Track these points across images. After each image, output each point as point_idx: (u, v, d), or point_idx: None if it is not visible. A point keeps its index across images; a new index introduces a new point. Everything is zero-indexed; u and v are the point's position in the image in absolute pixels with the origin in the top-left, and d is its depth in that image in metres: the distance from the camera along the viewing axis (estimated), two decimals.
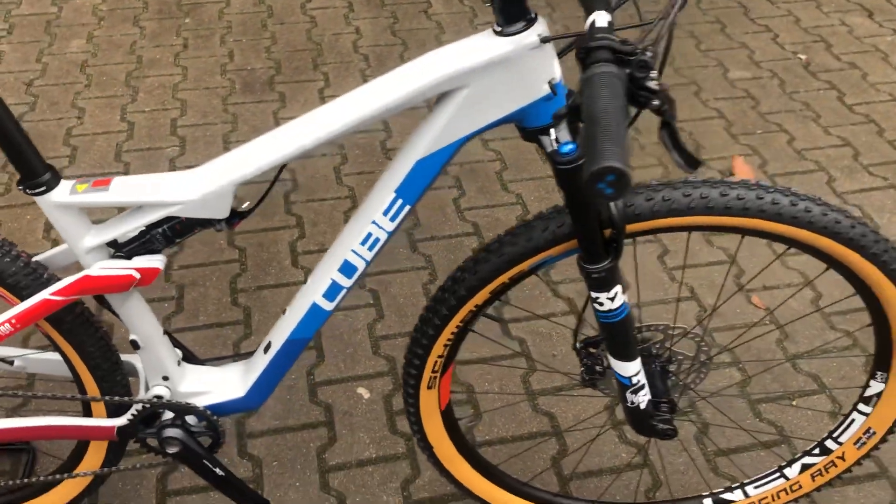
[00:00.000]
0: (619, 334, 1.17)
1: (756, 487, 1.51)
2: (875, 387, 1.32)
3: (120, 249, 1.12)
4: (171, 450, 1.29)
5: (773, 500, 1.50)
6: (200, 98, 2.72)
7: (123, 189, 1.07)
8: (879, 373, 1.31)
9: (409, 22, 3.21)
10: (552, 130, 0.99)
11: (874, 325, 1.25)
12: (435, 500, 1.63)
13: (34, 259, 1.17)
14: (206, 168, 1.07)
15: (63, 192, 1.07)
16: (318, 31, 3.12)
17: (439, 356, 1.26)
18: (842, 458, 1.42)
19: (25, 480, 1.39)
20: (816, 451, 1.44)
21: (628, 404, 1.26)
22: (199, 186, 1.05)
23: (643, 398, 1.25)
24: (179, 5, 3.24)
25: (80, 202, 1.06)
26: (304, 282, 1.19)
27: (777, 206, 1.09)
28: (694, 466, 1.69)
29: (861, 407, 1.36)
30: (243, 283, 2.08)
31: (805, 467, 1.46)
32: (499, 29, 0.95)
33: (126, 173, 2.40)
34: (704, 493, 1.56)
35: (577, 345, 1.29)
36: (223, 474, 1.33)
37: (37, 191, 1.06)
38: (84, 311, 1.20)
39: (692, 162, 0.78)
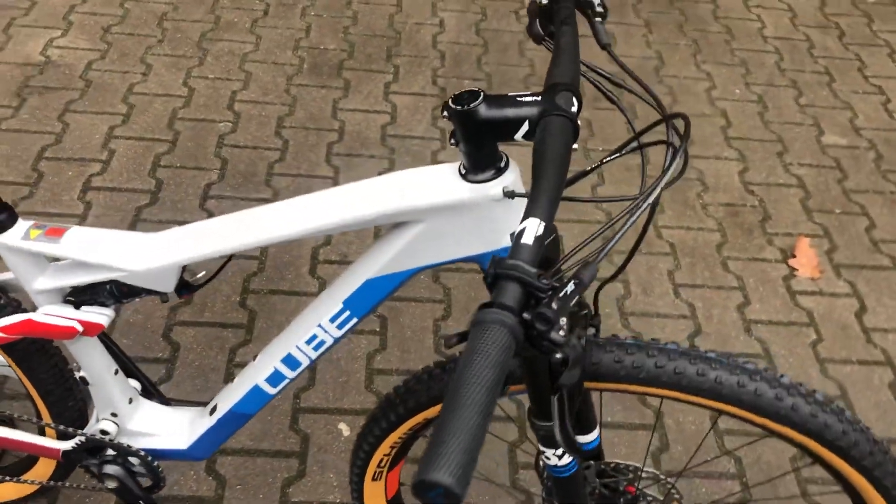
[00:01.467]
0: (566, 489, 1.07)
1: None
2: None
3: (70, 296, 1.08)
4: (110, 485, 1.28)
5: None
6: (266, 73, 2.68)
7: (74, 243, 1.03)
8: None
9: (497, 22, 3.08)
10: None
11: None
12: None
13: None
14: (157, 240, 1.02)
15: (15, 236, 1.04)
16: (401, 17, 3.02)
17: (385, 455, 1.20)
18: None
19: None
20: None
21: None
22: (145, 259, 1.00)
23: None
24: None
25: (29, 248, 1.03)
26: (317, 294, 1.13)
27: (759, 398, 0.97)
28: None
29: None
30: (256, 284, 2.06)
31: None
32: (464, 172, 0.86)
33: (174, 143, 2.40)
34: None
35: (539, 466, 1.21)
36: None
37: None
38: (42, 348, 1.18)
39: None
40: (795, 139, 2.69)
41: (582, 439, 1.18)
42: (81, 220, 2.14)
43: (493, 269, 0.61)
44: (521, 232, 0.64)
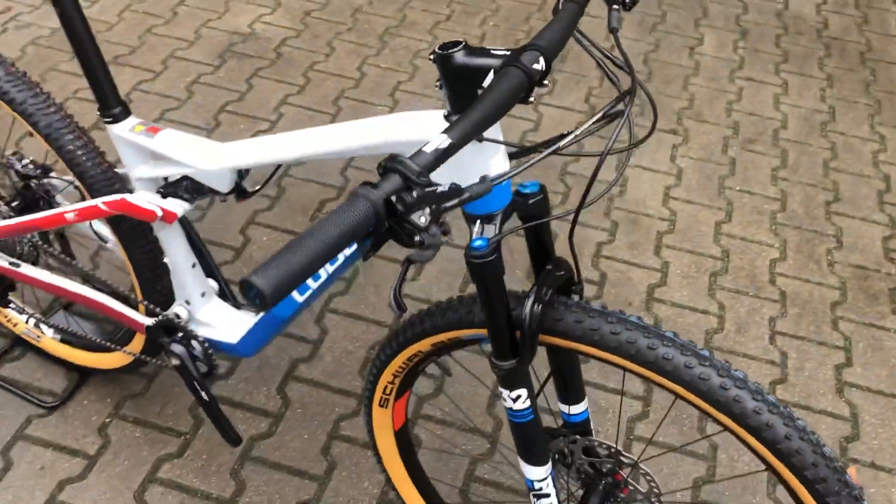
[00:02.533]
0: (521, 436, 1.15)
1: None
2: None
3: (161, 189, 1.32)
4: (174, 362, 1.50)
5: None
6: (432, 69, 2.90)
7: (163, 140, 1.26)
8: None
9: (668, 54, 3.12)
10: (474, 222, 1.00)
11: None
12: None
13: (116, 170, 1.41)
14: (221, 147, 1.22)
15: (124, 128, 1.29)
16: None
17: (389, 383, 1.33)
18: None
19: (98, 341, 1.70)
20: None
21: None
22: (209, 161, 1.21)
23: None
24: None
25: (131, 139, 1.28)
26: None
27: (703, 382, 1.00)
28: None
29: None
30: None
31: None
32: (446, 113, 0.98)
33: (334, 117, 2.67)
34: None
35: None
36: (207, 399, 1.52)
37: (106, 120, 1.29)
38: (139, 225, 1.43)
39: (401, 306, 0.78)
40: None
41: (571, 410, 1.25)
42: None
43: (385, 162, 0.73)
44: (428, 143, 0.76)
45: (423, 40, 3.05)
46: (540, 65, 0.89)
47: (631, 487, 1.29)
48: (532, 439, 1.15)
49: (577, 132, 0.94)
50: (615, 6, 1.04)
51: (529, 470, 1.19)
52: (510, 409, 1.12)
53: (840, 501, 0.98)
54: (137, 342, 1.66)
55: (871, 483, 1.83)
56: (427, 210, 0.72)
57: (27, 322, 1.89)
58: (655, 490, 1.27)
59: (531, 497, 1.23)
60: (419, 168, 0.72)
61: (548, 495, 1.21)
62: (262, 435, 1.82)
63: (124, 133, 1.29)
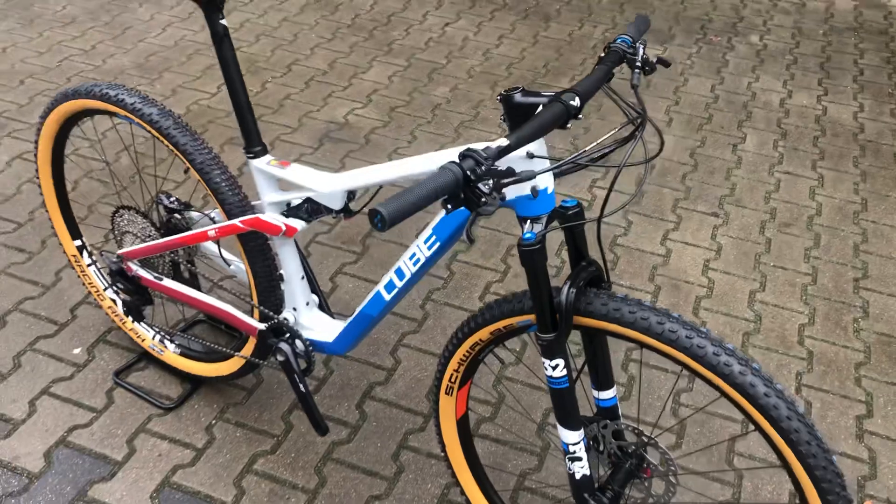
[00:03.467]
0: (559, 402, 1.44)
1: None
2: None
3: (284, 212, 1.70)
4: (279, 358, 1.85)
5: None
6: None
7: (292, 172, 1.65)
8: None
9: (713, 150, 3.46)
10: (526, 222, 1.34)
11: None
12: None
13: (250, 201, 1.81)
14: (337, 175, 1.60)
15: (262, 162, 1.69)
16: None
17: (454, 370, 1.64)
18: None
19: (216, 346, 2.06)
20: None
21: (567, 469, 1.51)
22: (325, 185, 1.59)
23: (579, 469, 1.50)
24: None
25: (267, 171, 1.67)
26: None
27: (701, 349, 1.29)
28: None
29: None
30: (437, 296, 2.60)
31: None
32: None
33: None
34: None
35: None
36: (304, 392, 1.85)
37: (249, 155, 1.69)
38: (263, 243, 1.81)
39: (471, 239, 1.11)
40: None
41: (602, 395, 1.54)
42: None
43: (464, 150, 1.08)
44: (494, 142, 1.12)
45: (492, 132, 3.48)
46: (576, 102, 1.25)
47: (651, 467, 1.55)
48: (568, 405, 1.44)
49: (594, 146, 1.29)
50: (636, 70, 1.39)
51: (566, 434, 1.48)
52: (550, 377, 1.42)
53: (811, 447, 1.24)
54: (248, 348, 2.01)
55: None
56: (490, 182, 1.07)
57: (153, 338, 2.27)
58: (672, 468, 1.53)
59: (566, 460, 1.50)
60: (486, 155, 1.08)
61: (580, 458, 1.49)
62: (342, 441, 2.12)
63: (262, 166, 1.69)
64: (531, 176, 1.15)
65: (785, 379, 2.38)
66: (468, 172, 1.06)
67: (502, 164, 1.14)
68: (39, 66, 3.81)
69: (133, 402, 2.20)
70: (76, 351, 2.35)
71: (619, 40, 1.42)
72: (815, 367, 2.43)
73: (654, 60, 1.45)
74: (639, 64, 1.39)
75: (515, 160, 1.29)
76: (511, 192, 1.34)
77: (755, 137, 3.57)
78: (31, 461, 2.03)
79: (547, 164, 1.31)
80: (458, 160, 1.07)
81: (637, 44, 1.42)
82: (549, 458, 2.09)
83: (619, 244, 2.87)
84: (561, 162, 1.29)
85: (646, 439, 1.53)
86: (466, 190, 1.07)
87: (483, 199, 1.07)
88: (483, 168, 1.07)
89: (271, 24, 4.32)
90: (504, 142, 1.14)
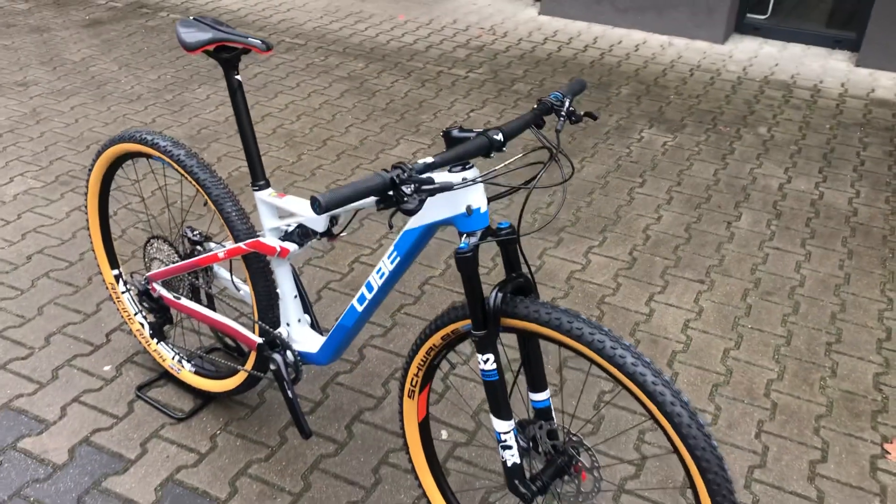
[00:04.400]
0: (490, 393, 1.68)
1: None
2: None
3: (281, 237, 2.02)
4: (272, 367, 2.13)
5: None
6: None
7: (286, 202, 1.97)
8: None
9: (707, 225, 3.70)
10: (463, 236, 1.62)
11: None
12: None
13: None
14: None
15: (265, 194, 2.01)
16: (606, 201, 3.79)
17: (415, 375, 1.89)
18: None
19: (228, 364, 2.35)
20: None
21: (500, 457, 1.73)
22: (311, 211, 1.90)
23: (510, 457, 1.72)
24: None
25: (268, 201, 2.00)
26: None
27: (600, 344, 1.53)
28: None
29: None
30: None
31: None
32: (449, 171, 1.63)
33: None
34: None
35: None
36: (291, 397, 2.11)
37: (254, 188, 2.02)
38: (265, 265, 2.12)
39: (390, 225, 1.38)
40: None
41: (537, 397, 1.78)
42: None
43: (395, 164, 1.38)
44: (422, 161, 1.42)
45: (498, 205, 3.78)
46: (499, 137, 1.55)
47: (581, 465, 1.76)
48: (499, 396, 1.68)
49: (503, 164, 1.57)
50: (561, 118, 1.69)
51: (498, 423, 1.71)
52: (483, 370, 1.67)
53: (692, 430, 1.45)
54: (249, 362, 2.30)
55: None
56: (412, 186, 1.36)
57: (173, 358, 2.57)
58: (597, 464, 1.74)
59: (499, 448, 1.73)
60: (412, 167, 1.38)
61: (511, 447, 1.71)
62: (329, 454, 2.37)
63: (265, 197, 2.02)
64: (449, 187, 1.45)
65: (746, 425, 2.55)
66: (394, 178, 1.36)
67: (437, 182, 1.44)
68: (104, 134, 4.30)
69: (150, 412, 2.49)
70: (106, 368, 2.66)
71: (551, 96, 1.73)
72: (777, 417, 2.59)
73: (582, 114, 1.74)
74: (563, 114, 1.69)
75: (452, 183, 1.59)
76: (450, 211, 1.63)
77: (750, 216, 3.80)
78: (56, 455, 2.32)
79: (482, 196, 1.60)
80: (388, 170, 1.38)
81: (566, 99, 1.72)
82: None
83: (606, 303, 3.11)
84: (475, 180, 1.58)
85: (574, 438, 1.75)
86: (394, 190, 1.37)
87: (405, 199, 1.36)
88: (406, 175, 1.37)
89: (313, 105, 4.78)
90: (430, 160, 1.44)
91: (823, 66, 5.80)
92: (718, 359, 2.85)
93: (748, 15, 6.42)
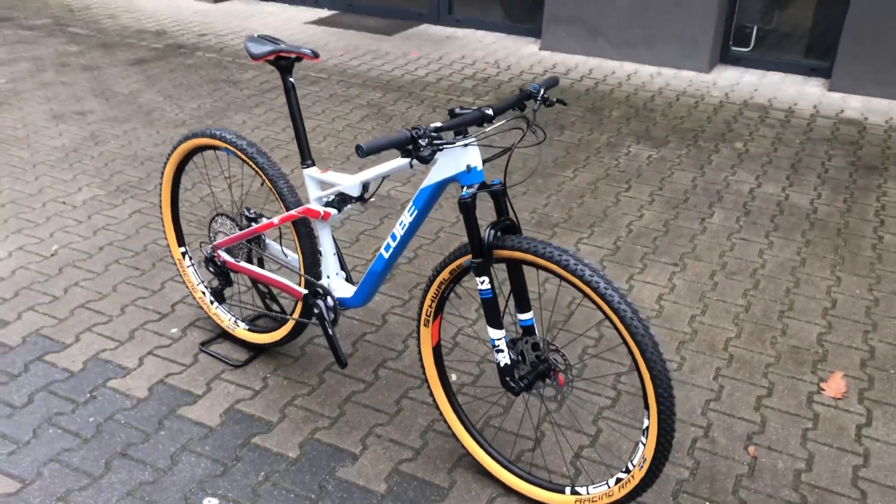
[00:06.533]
0: (486, 307, 2.22)
1: (594, 488, 2.28)
2: (645, 422, 2.09)
3: (324, 203, 2.58)
4: (315, 311, 2.67)
5: (597, 500, 2.26)
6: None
7: (328, 175, 2.53)
8: (646, 410, 2.08)
9: (684, 221, 4.24)
10: (464, 188, 2.18)
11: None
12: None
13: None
14: (355, 175, 2.47)
15: (311, 170, 2.58)
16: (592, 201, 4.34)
17: (429, 306, 2.43)
18: (633, 477, 2.16)
19: (276, 313, 2.89)
20: (624, 470, 2.20)
21: (495, 360, 2.26)
22: (348, 180, 2.46)
23: (502, 359, 2.25)
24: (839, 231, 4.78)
25: (314, 176, 2.56)
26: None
27: (565, 261, 2.07)
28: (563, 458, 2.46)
29: (641, 438, 2.12)
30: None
31: (618, 480, 2.22)
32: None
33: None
34: (566, 484, 2.36)
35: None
36: (331, 334, 2.65)
37: (303, 166, 2.59)
38: (310, 230, 2.67)
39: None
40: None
41: (522, 317, 2.31)
42: None
43: (414, 125, 1.94)
44: (433, 124, 1.98)
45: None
46: (490, 111, 2.11)
47: (557, 369, 2.28)
48: (493, 310, 2.22)
49: (492, 127, 2.13)
50: (537, 101, 2.25)
51: (492, 332, 2.24)
52: (480, 290, 2.21)
53: (626, 312, 1.98)
54: (296, 312, 2.84)
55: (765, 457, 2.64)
56: (427, 141, 1.93)
57: (230, 320, 3.12)
58: (569, 363, 2.26)
59: (494, 353, 2.26)
60: (425, 129, 1.95)
61: (503, 350, 2.24)
62: (359, 391, 2.89)
63: (311, 173, 2.58)
64: (451, 142, 2.00)
65: (706, 371, 3.06)
66: (413, 134, 1.93)
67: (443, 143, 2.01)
68: (156, 152, 4.91)
69: (212, 362, 3.04)
70: (173, 330, 3.21)
71: (531, 87, 2.29)
72: (732, 364, 3.10)
73: (555, 100, 2.31)
74: (539, 99, 2.26)
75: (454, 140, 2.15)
76: (455, 169, 2.18)
77: (722, 214, 4.34)
78: (138, 392, 2.86)
79: (478, 158, 2.16)
80: (409, 129, 1.94)
81: (541, 89, 2.28)
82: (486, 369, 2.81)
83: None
84: (466, 141, 2.12)
85: (552, 346, 2.28)
86: (413, 143, 1.93)
87: (421, 149, 1.92)
88: (422, 132, 1.94)
89: (337, 128, 5.39)
90: (439, 124, 2.00)
91: (799, 91, 6.37)
92: (686, 322, 3.36)
93: (732, 48, 7.03)
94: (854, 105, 6.08)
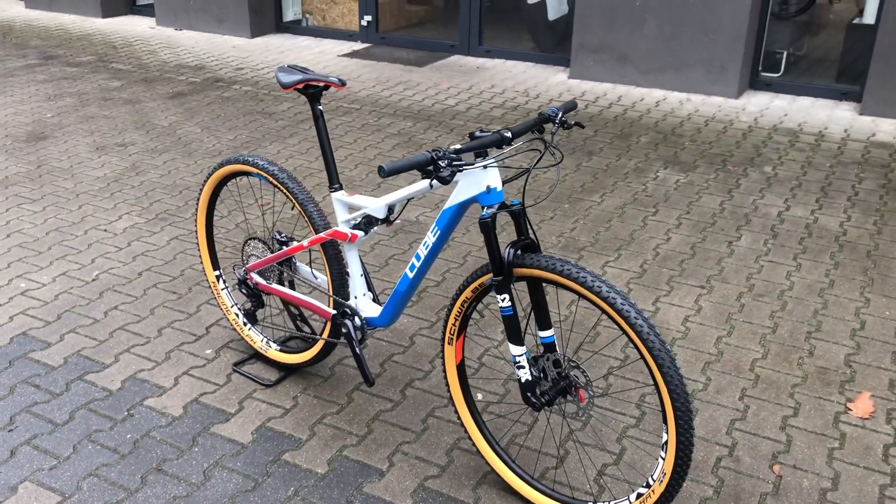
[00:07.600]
0: (507, 324, 2.28)
1: None
2: (664, 436, 2.12)
3: (352, 226, 2.67)
4: (343, 330, 2.75)
5: None
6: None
7: (356, 199, 2.62)
8: (664, 425, 2.12)
9: (711, 244, 4.26)
10: (484, 208, 2.25)
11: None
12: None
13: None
14: (380, 198, 2.56)
15: (339, 194, 2.67)
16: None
17: (453, 324, 2.49)
18: (654, 491, 2.19)
19: (307, 333, 2.98)
20: (644, 485, 2.23)
21: (517, 377, 2.31)
22: (374, 203, 2.55)
23: (524, 375, 2.30)
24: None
25: (342, 199, 2.66)
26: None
27: (583, 279, 2.12)
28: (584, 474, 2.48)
29: (661, 453, 2.15)
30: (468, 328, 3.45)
31: (638, 496, 2.24)
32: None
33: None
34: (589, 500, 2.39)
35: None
36: (359, 353, 2.72)
37: (331, 190, 2.69)
38: (339, 252, 2.76)
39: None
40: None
41: (543, 334, 2.37)
42: None
43: (434, 148, 2.02)
44: (453, 146, 2.06)
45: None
46: (508, 134, 2.18)
47: (578, 386, 2.33)
48: (514, 327, 2.27)
49: (510, 149, 2.20)
50: (556, 125, 2.33)
51: (514, 348, 2.29)
52: (501, 307, 2.27)
53: (642, 327, 2.02)
54: (325, 332, 2.92)
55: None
56: (446, 162, 2.00)
57: (262, 341, 3.21)
58: (590, 381, 2.30)
59: (516, 369, 2.31)
60: (445, 150, 2.02)
61: (524, 367, 2.29)
62: (386, 409, 2.96)
63: (339, 196, 2.68)
64: (470, 163, 2.08)
65: (732, 391, 3.07)
66: (433, 156, 2.01)
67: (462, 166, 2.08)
68: (193, 181, 5.07)
69: (245, 382, 3.12)
70: (208, 351, 3.31)
71: (550, 111, 2.37)
72: (758, 385, 3.11)
73: (573, 123, 2.38)
74: (557, 122, 2.33)
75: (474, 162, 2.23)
76: (475, 190, 2.25)
77: (749, 237, 4.35)
78: (174, 410, 2.96)
79: (497, 179, 2.23)
80: (430, 151, 2.03)
81: (559, 112, 2.36)
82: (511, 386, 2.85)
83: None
84: (485, 162, 2.20)
85: (572, 362, 2.32)
86: (433, 164, 2.01)
87: (441, 170, 2.00)
88: (441, 153, 2.01)
89: (368, 156, 5.51)
90: (458, 146, 2.08)
91: (829, 115, 6.37)
92: (712, 343, 3.38)
93: (762, 73, 7.05)
94: (885, 128, 6.06)
